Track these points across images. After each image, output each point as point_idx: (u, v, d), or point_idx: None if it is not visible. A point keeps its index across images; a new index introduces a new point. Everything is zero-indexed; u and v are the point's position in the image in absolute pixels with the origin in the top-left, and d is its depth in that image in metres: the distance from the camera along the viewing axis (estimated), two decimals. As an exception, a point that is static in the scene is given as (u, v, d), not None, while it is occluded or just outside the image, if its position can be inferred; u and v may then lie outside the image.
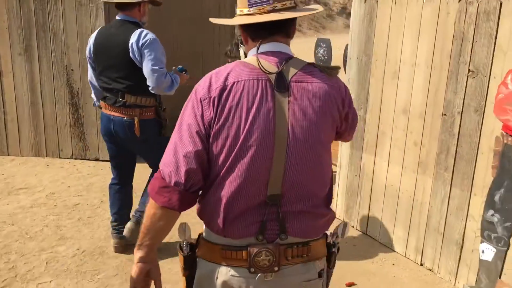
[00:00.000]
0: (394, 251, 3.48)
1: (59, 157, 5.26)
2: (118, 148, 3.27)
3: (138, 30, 3.02)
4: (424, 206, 3.22)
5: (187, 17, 6.54)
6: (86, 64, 5.04)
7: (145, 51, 2.96)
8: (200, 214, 1.49)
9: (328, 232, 1.57)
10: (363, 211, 3.75)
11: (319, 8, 1.62)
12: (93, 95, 3.49)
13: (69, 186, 4.55)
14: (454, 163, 2.99)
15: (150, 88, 3.00)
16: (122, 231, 3.35)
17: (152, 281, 1.50)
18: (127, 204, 3.44)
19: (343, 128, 1.55)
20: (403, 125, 3.33)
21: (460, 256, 3.00)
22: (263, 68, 1.39)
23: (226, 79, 1.40)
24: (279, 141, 1.37)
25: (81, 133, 5.21)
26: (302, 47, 10.58)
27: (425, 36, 3.12)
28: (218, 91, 1.38)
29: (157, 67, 2.95)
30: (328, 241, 1.55)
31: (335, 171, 4.02)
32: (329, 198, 1.52)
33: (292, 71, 1.42)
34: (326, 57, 9.54)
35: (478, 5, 2.78)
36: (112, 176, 3.42)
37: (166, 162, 1.40)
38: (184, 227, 1.50)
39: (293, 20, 1.50)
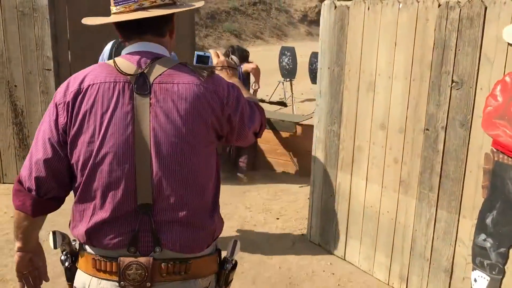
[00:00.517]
0: (376, 278, 3.19)
1: (3, 183, 4.75)
2: None
3: None
4: (408, 230, 2.95)
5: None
6: (31, 79, 4.65)
7: None
8: (70, 223, 1.41)
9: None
10: (340, 234, 3.46)
11: (198, 4, 1.53)
12: None
13: (12, 216, 4.04)
14: (440, 182, 2.74)
15: None
16: None
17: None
18: None
19: (225, 132, 1.41)
20: (381, 141, 3.07)
21: (449, 284, 2.73)
22: (120, 69, 1.32)
23: (82, 82, 1.33)
24: (140, 147, 1.28)
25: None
26: (265, 55, 10.34)
27: (402, 44, 2.87)
28: (72, 95, 1.32)
29: None
30: (222, 258, 1.46)
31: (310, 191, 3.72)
32: (211, 208, 1.41)
33: (157, 71, 1.33)
34: (291, 66, 9.34)
35: (460, 10, 2.55)
36: None
37: (24, 165, 1.37)
38: (54, 237, 1.41)
39: (166, 18, 1.39)
